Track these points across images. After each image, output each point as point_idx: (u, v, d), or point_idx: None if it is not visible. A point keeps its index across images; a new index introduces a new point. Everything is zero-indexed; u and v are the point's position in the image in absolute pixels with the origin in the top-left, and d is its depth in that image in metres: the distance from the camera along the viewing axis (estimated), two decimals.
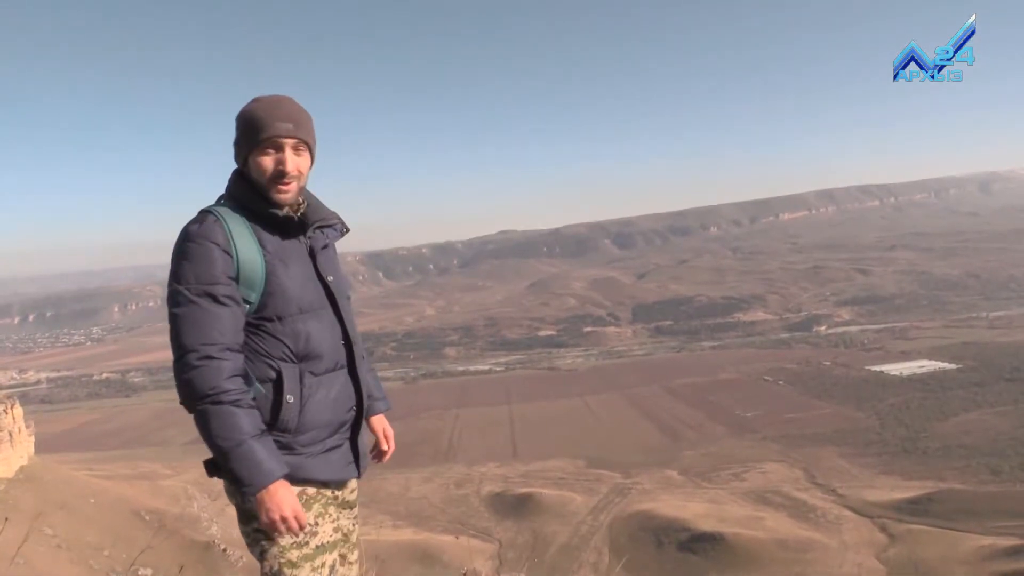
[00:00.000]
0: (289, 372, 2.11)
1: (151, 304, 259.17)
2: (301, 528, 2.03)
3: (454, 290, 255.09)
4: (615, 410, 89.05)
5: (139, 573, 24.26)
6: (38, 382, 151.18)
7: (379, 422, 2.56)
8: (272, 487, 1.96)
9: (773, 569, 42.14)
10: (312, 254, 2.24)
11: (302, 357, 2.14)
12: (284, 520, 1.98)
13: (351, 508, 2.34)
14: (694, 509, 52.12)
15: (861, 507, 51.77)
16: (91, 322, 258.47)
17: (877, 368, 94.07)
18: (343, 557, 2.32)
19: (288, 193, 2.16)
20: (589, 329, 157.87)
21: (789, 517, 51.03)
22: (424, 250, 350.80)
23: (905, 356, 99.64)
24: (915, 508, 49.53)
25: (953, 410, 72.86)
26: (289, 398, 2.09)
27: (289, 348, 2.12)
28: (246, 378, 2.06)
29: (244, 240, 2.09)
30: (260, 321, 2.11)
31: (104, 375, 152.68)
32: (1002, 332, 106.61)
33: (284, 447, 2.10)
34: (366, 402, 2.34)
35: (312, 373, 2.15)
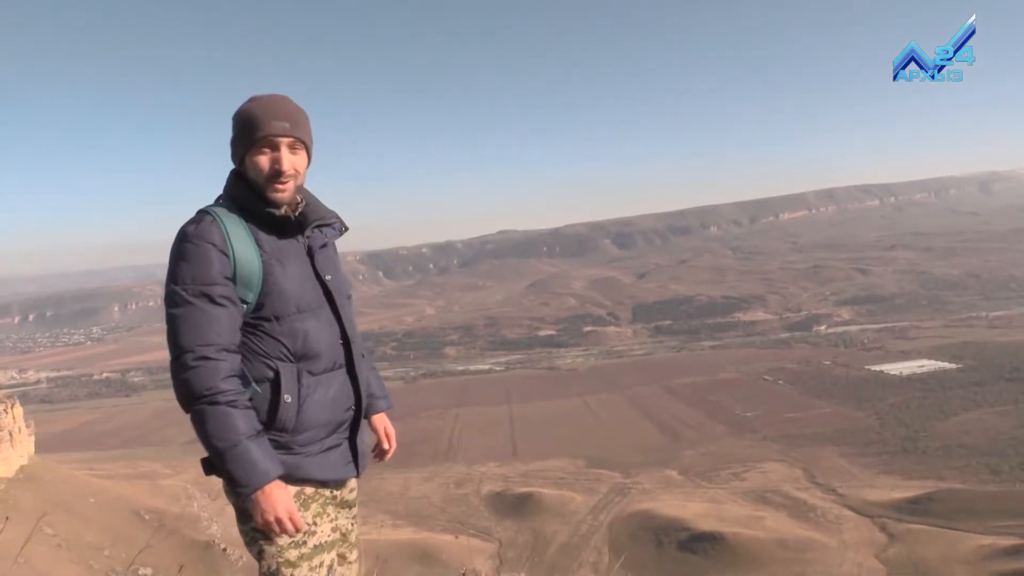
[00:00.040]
0: (287, 372, 2.11)
1: (151, 304, 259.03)
2: (297, 530, 2.03)
3: (454, 290, 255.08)
4: (615, 410, 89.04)
5: (139, 572, 24.25)
6: (38, 382, 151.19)
7: (380, 421, 2.55)
8: (267, 488, 1.95)
9: (773, 569, 42.14)
10: (310, 253, 2.24)
11: (300, 356, 2.13)
12: (279, 521, 1.98)
13: (350, 508, 2.34)
14: (694, 509, 52.12)
15: (861, 507, 51.77)
16: (91, 322, 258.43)
17: (877, 368, 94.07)
18: (342, 557, 2.31)
19: (285, 192, 2.16)
20: (589, 329, 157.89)
21: (789, 517, 51.03)
22: (424, 250, 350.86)
23: (905, 356, 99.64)
24: (915, 508, 49.53)
25: (953, 410, 72.85)
26: (287, 398, 2.09)
27: (287, 348, 2.12)
28: (243, 379, 2.06)
29: (241, 240, 2.09)
30: (258, 321, 2.11)
31: (104, 375, 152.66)
32: (1002, 332, 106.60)
33: (282, 447, 2.09)
34: (366, 401, 2.33)
35: (310, 372, 2.15)
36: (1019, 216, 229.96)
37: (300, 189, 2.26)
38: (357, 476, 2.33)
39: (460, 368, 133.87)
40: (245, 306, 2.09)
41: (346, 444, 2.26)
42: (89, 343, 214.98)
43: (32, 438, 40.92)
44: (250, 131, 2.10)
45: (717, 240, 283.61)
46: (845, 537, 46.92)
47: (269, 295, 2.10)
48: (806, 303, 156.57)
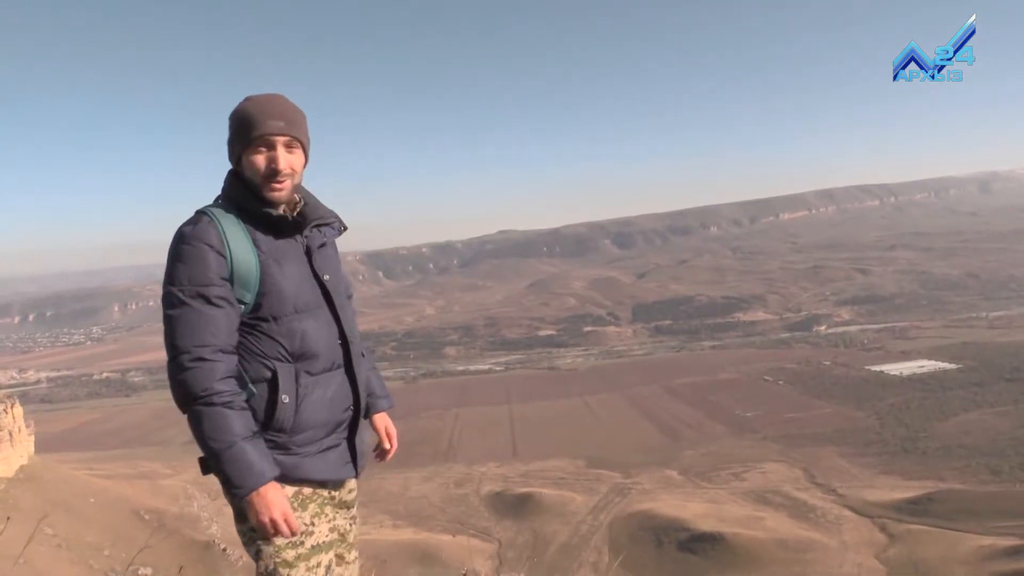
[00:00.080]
0: (285, 372, 2.10)
1: (151, 303, 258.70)
2: (292, 532, 2.03)
3: (454, 290, 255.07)
4: (615, 410, 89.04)
5: (139, 572, 24.25)
6: (38, 381, 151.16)
7: (381, 420, 2.54)
8: (262, 489, 1.95)
9: (773, 569, 42.13)
10: (308, 253, 2.23)
11: (298, 356, 2.13)
12: (273, 523, 1.97)
13: (348, 508, 2.33)
14: (694, 509, 52.11)
15: (861, 507, 51.77)
16: (91, 321, 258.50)
17: (877, 368, 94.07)
18: (340, 557, 2.31)
19: (282, 191, 2.15)
20: (589, 329, 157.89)
21: (789, 517, 51.03)
22: (424, 250, 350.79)
23: (905, 356, 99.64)
24: (915, 508, 49.53)
25: (953, 410, 72.86)
26: (284, 398, 2.08)
27: (285, 348, 2.11)
28: (239, 380, 2.05)
29: (238, 240, 2.08)
30: (256, 321, 2.10)
31: (104, 374, 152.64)
32: (1002, 332, 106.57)
33: (280, 447, 2.09)
34: (365, 401, 2.33)
35: (308, 373, 2.14)
36: (1019, 216, 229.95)
37: (298, 188, 2.25)
38: (356, 476, 2.33)
39: (460, 368, 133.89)
40: (243, 306, 2.09)
41: (345, 444, 2.26)
42: (89, 343, 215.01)
43: (32, 438, 40.96)
44: (246, 130, 2.10)
45: (717, 240, 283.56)
46: (845, 537, 46.92)
47: (267, 295, 2.10)
48: (806, 303, 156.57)
